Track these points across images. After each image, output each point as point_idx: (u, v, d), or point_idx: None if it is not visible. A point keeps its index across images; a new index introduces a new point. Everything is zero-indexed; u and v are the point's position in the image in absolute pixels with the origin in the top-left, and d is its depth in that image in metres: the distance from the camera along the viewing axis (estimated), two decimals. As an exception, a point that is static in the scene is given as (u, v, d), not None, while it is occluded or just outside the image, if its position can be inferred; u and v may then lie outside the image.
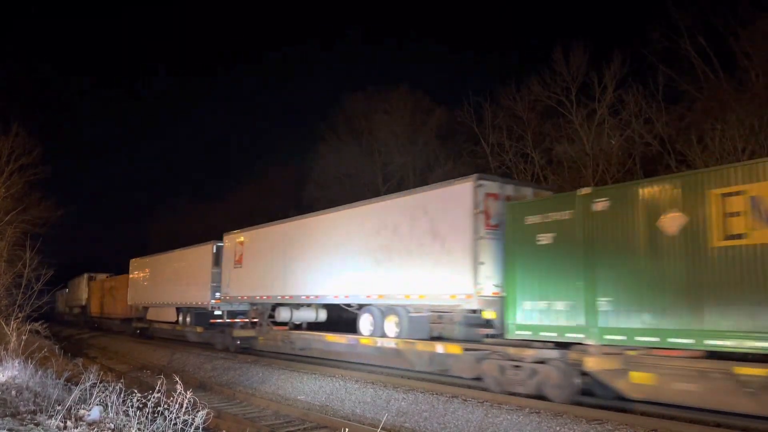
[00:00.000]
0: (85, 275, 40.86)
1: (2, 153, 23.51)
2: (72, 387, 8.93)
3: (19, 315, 15.13)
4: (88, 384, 8.16)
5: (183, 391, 6.76)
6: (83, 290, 41.11)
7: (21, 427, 6.71)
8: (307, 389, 12.39)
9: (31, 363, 10.54)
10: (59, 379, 9.72)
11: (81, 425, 6.88)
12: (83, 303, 40.91)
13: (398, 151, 29.91)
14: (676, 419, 8.18)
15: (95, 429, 6.80)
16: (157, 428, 6.63)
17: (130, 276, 28.92)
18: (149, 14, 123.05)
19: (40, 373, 10.25)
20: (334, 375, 13.02)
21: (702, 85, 19.75)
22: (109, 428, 6.83)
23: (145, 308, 26.58)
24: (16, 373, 10.37)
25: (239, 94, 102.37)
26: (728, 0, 18.99)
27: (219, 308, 20.22)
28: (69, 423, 6.88)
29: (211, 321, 21.05)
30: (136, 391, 7.39)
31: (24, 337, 12.51)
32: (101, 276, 39.67)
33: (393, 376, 12.62)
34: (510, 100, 24.57)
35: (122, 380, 8.49)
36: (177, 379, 7.42)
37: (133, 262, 28.99)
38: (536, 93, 23.63)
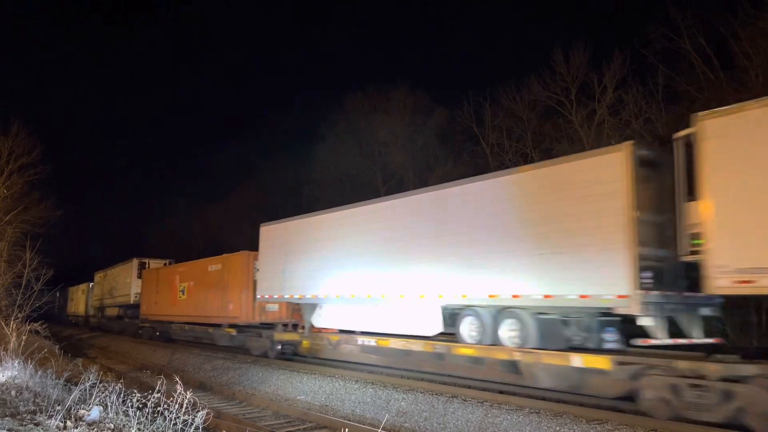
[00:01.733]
0: (134, 261, 29.84)
1: (2, 153, 23.53)
2: (72, 387, 8.94)
3: (19, 315, 15.14)
4: (87, 384, 8.17)
5: (183, 391, 6.77)
6: (130, 283, 29.51)
7: (21, 427, 6.72)
8: (307, 389, 12.38)
9: (31, 363, 10.54)
10: (59, 379, 9.73)
11: (81, 425, 6.89)
12: (130, 301, 29.29)
13: (398, 151, 29.91)
14: (676, 419, 8.17)
15: (95, 429, 6.80)
16: (157, 428, 6.64)
17: (261, 253, 17.43)
18: (152, 15, 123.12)
19: (39, 373, 10.25)
20: (334, 375, 13.01)
21: (702, 85, 19.73)
22: (108, 428, 6.84)
23: (311, 306, 15.57)
24: (16, 373, 10.37)
25: (239, 93, 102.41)
26: (728, 0, 19.02)
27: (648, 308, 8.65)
28: (69, 423, 6.88)
29: (642, 343, 8.97)
30: (136, 391, 7.41)
31: (24, 338, 12.53)
32: (156, 262, 29.63)
33: (393, 376, 12.61)
34: (510, 100, 24.57)
35: (122, 380, 8.53)
36: (177, 379, 7.43)
37: (270, 229, 17.19)
38: (536, 93, 23.64)
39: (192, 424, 6.48)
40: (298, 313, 16.60)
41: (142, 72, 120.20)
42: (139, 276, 28.79)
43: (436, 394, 10.39)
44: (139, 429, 6.64)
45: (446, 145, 28.77)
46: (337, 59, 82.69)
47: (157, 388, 7.24)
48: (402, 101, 30.39)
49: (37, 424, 6.87)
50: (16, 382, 9.84)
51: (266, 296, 16.98)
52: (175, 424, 6.56)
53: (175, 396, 6.87)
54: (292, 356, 16.83)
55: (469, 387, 11.04)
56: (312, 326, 15.61)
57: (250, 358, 16.93)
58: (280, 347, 16.78)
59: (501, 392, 10.38)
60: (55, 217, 25.86)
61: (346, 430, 7.20)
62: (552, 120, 23.50)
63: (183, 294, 22.62)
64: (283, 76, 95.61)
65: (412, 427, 9.48)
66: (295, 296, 15.64)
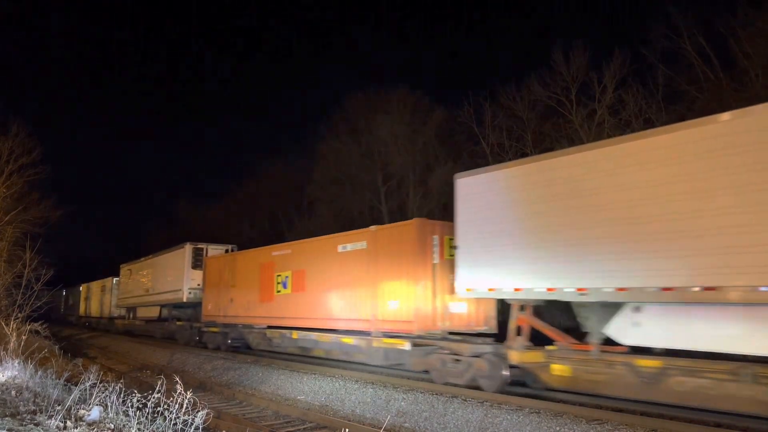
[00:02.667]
0: (188, 246, 22.51)
1: (2, 153, 23.51)
2: (72, 387, 8.94)
3: (19, 315, 15.14)
4: (88, 384, 8.17)
5: (183, 391, 6.76)
6: (182, 275, 22.49)
7: (21, 427, 6.71)
8: (307, 389, 12.38)
9: (31, 363, 10.53)
10: (59, 379, 9.72)
11: (81, 425, 6.88)
12: (182, 299, 22.45)
13: (398, 151, 29.89)
14: (676, 419, 8.18)
15: (95, 429, 6.80)
16: (157, 428, 6.63)
17: (461, 222, 11.38)
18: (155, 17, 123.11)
19: (39, 373, 10.24)
20: (334, 375, 13.01)
21: (702, 85, 19.75)
22: (108, 428, 6.83)
23: (604, 309, 9.41)
24: (16, 373, 10.37)
25: (239, 93, 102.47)
26: (728, 0, 19.07)
27: None
28: (69, 423, 6.88)
29: None
30: (136, 391, 7.40)
31: (24, 338, 12.52)
32: (216, 248, 22.45)
33: (393, 376, 12.62)
34: (510, 100, 24.60)
35: (122, 380, 8.53)
36: (177, 379, 7.43)
37: (484, 180, 11.08)
38: (536, 93, 23.68)
39: (192, 424, 6.48)
40: (525, 317, 10.59)
41: (142, 72, 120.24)
42: (194, 266, 22.25)
43: (436, 394, 10.39)
44: (139, 429, 6.63)
45: (446, 145, 28.78)
46: (337, 59, 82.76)
47: (157, 388, 7.24)
48: (402, 101, 30.38)
49: (37, 424, 6.86)
50: (16, 382, 9.84)
51: (485, 289, 10.69)
52: (175, 424, 6.56)
53: (175, 396, 6.87)
54: (538, 391, 10.40)
55: (470, 387, 11.04)
56: (601, 341, 9.46)
57: (250, 358, 16.80)
58: (507, 374, 10.55)
59: (501, 392, 10.37)
60: (55, 217, 25.85)
61: (346, 430, 7.20)
62: (552, 120, 23.53)
63: (284, 287, 16.44)
64: (282, 76, 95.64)
65: (412, 427, 9.48)
66: (564, 288, 9.37)
